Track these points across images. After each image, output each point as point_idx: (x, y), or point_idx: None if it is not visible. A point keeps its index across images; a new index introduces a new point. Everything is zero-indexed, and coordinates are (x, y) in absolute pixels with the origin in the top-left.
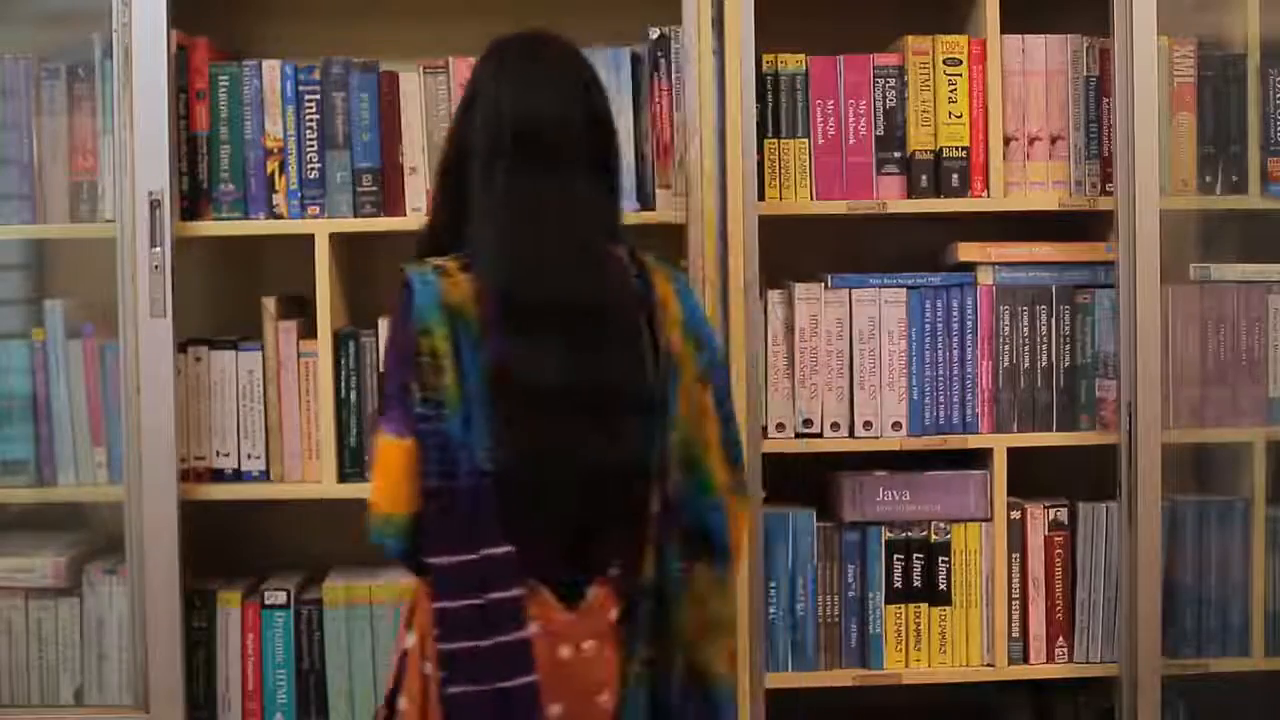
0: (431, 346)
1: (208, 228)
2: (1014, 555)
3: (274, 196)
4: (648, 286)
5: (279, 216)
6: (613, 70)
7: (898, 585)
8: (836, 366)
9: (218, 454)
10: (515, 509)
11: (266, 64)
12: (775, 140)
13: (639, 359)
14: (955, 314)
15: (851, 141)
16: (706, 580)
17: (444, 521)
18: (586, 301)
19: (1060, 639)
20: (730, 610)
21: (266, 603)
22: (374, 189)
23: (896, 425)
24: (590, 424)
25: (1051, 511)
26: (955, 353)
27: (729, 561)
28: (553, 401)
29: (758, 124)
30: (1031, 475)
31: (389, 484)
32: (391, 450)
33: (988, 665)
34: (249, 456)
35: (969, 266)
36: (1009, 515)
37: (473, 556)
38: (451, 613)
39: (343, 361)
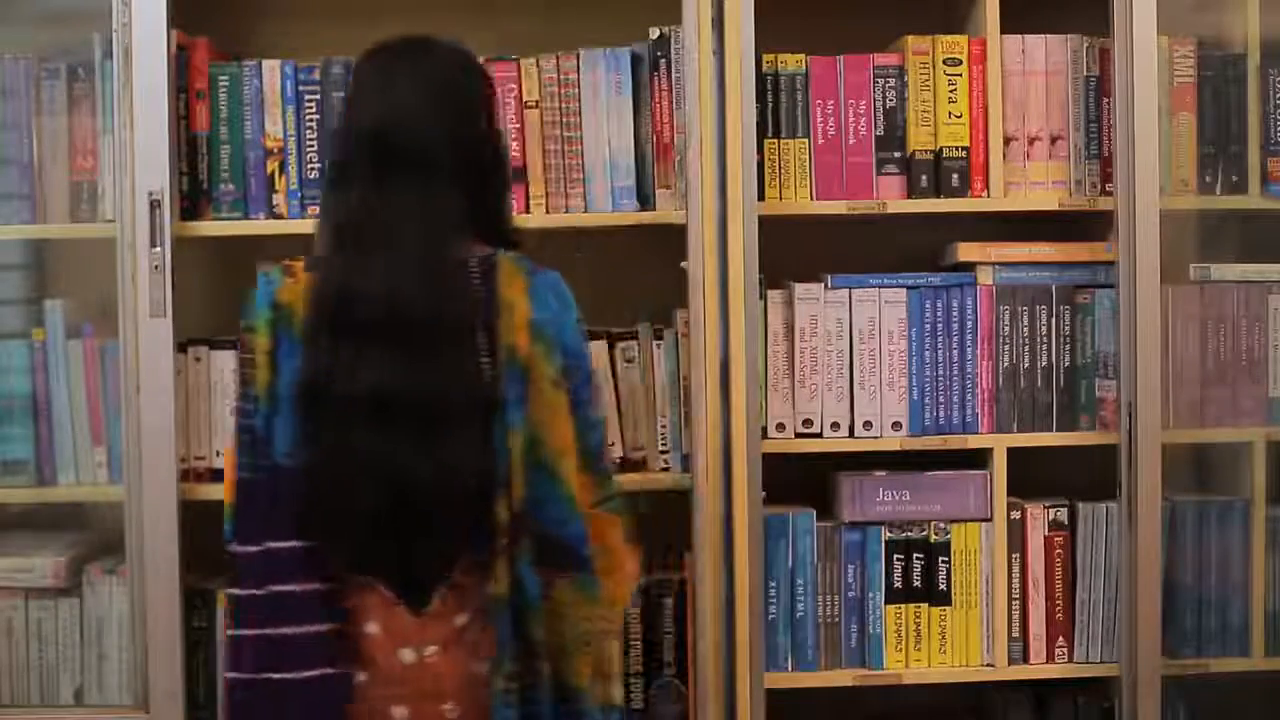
0: (255, 343)
1: (208, 228)
2: (1014, 555)
3: (274, 196)
4: (492, 289)
5: (279, 216)
6: (613, 70)
7: (897, 585)
8: (836, 366)
9: (218, 454)
10: (320, 509)
11: (266, 64)
12: (775, 140)
13: (470, 368)
14: (955, 314)
15: (851, 141)
16: (569, 593)
17: (244, 513)
18: (409, 309)
19: (1060, 639)
20: (599, 625)
21: None
22: None
23: (896, 425)
24: (404, 434)
25: (1051, 511)
26: (955, 353)
27: (593, 573)
28: (362, 408)
29: (758, 124)
30: (1031, 475)
31: (227, 473)
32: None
33: (988, 665)
34: None
35: (969, 266)
36: (1009, 515)
37: (256, 549)
38: (238, 600)
39: None
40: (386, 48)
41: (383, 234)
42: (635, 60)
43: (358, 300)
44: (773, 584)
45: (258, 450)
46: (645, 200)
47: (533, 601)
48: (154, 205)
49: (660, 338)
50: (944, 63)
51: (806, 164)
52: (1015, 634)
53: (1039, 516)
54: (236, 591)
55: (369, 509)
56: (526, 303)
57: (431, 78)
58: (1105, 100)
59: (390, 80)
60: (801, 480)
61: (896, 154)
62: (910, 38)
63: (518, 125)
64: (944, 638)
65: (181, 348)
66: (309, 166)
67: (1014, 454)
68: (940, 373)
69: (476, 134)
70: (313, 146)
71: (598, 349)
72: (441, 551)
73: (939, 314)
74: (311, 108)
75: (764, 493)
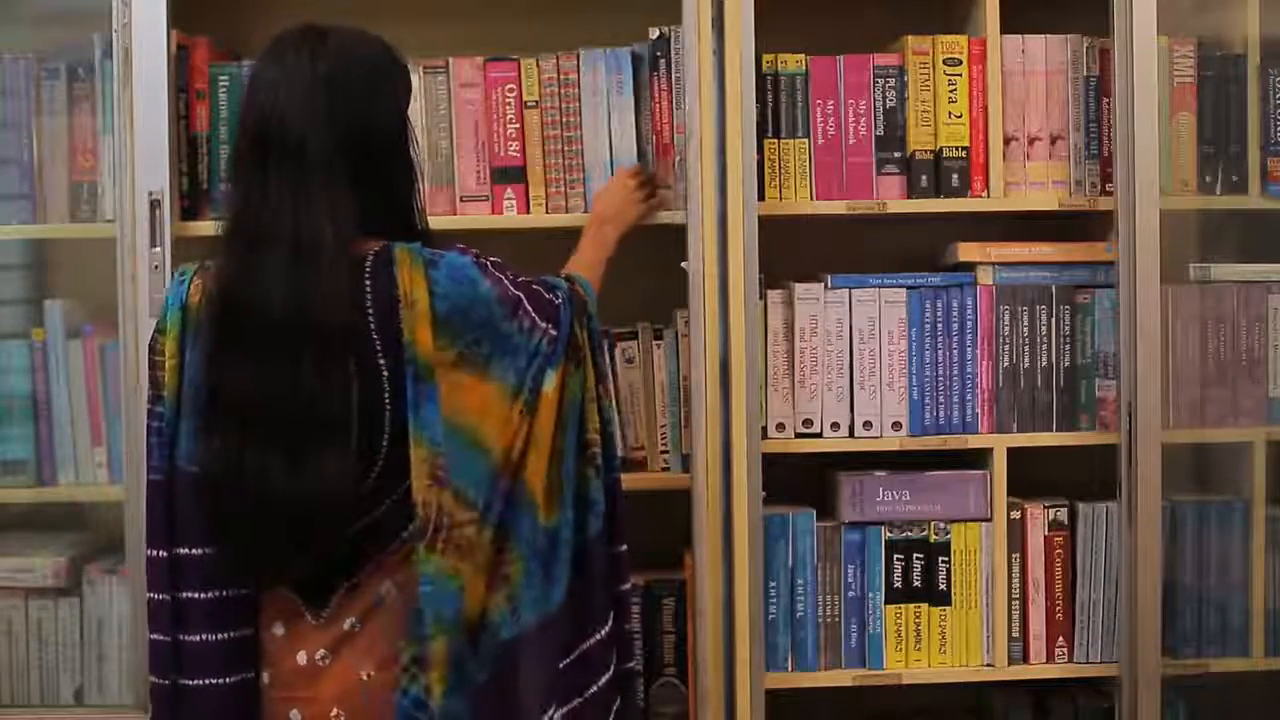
0: (163, 345)
1: (208, 228)
2: (1014, 555)
3: None
4: (389, 286)
5: None
6: (613, 70)
7: (897, 585)
8: (836, 366)
9: None
10: (213, 515)
11: None
12: (775, 140)
13: (337, 375)
14: (955, 314)
15: (851, 141)
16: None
17: (152, 517)
18: (277, 313)
19: (1060, 639)
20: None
21: None
22: None
23: (896, 425)
24: (269, 443)
25: (1051, 511)
26: (955, 353)
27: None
28: (236, 416)
29: (758, 124)
30: (1031, 475)
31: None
32: None
33: (988, 665)
34: None
35: (969, 266)
36: (1009, 515)
37: (166, 554)
38: (149, 605)
39: None
40: (281, 38)
41: (262, 233)
42: (635, 60)
43: (236, 303)
44: (773, 584)
45: (164, 454)
46: None
47: (438, 601)
48: (154, 205)
49: (660, 338)
50: (944, 63)
51: (806, 164)
52: (1015, 634)
53: (1039, 516)
54: (151, 596)
55: (248, 516)
56: (427, 295)
57: (319, 68)
58: (1105, 100)
59: (278, 72)
60: (801, 480)
61: (896, 154)
62: (910, 38)
63: (518, 125)
64: (944, 638)
65: None
66: None
67: (1014, 454)
68: (940, 373)
69: (370, 126)
70: None
71: None
72: (325, 557)
73: (939, 314)
74: None
75: (764, 493)
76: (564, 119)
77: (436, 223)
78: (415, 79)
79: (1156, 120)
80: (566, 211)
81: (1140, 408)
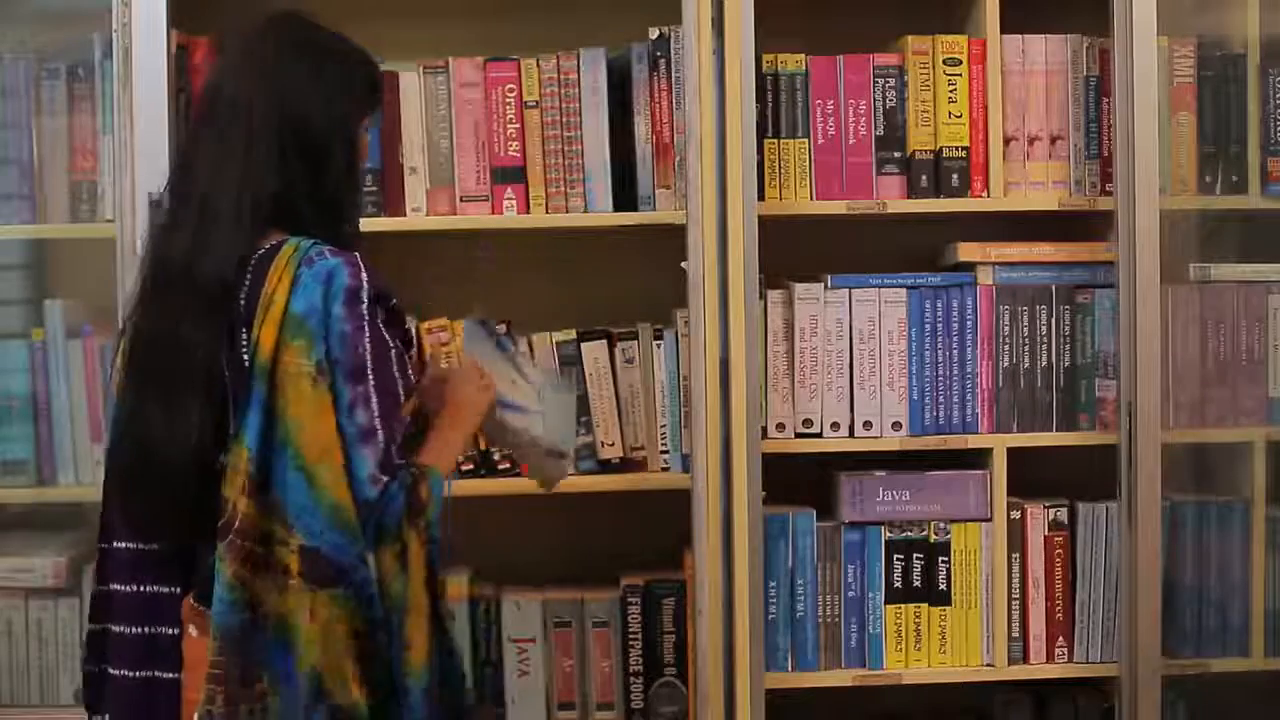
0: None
1: None
2: (1014, 555)
3: None
4: (259, 283)
5: None
6: (613, 70)
7: (897, 585)
8: (836, 366)
9: None
10: (112, 468)
11: None
12: (775, 140)
13: (218, 334)
14: (955, 314)
15: (851, 141)
16: (330, 610)
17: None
18: (181, 264)
19: (1060, 639)
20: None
21: None
22: (374, 189)
23: (896, 425)
24: (152, 393)
25: (1051, 511)
26: (955, 353)
27: (357, 588)
28: (136, 366)
29: (758, 124)
30: (1031, 475)
31: None
32: None
33: (988, 665)
34: None
35: (969, 266)
36: (1009, 515)
37: (104, 546)
38: (91, 595)
39: None
40: (251, 21)
41: (186, 190)
42: (635, 60)
43: (155, 257)
44: (773, 584)
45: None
46: (645, 200)
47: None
48: (154, 205)
49: (660, 338)
50: (944, 63)
51: (806, 164)
52: (1015, 634)
53: (1039, 516)
54: (93, 588)
55: (132, 467)
56: (286, 295)
57: (251, 59)
58: (1105, 100)
59: (230, 55)
60: (801, 480)
61: (896, 154)
62: (910, 38)
63: (518, 125)
64: (944, 638)
65: None
66: None
67: (1014, 454)
68: (940, 373)
69: (309, 118)
70: None
71: (598, 349)
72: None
73: (939, 314)
74: None
75: (764, 493)
76: (564, 119)
77: (437, 223)
78: (415, 79)
79: (1156, 120)
80: (566, 211)
81: (1140, 408)
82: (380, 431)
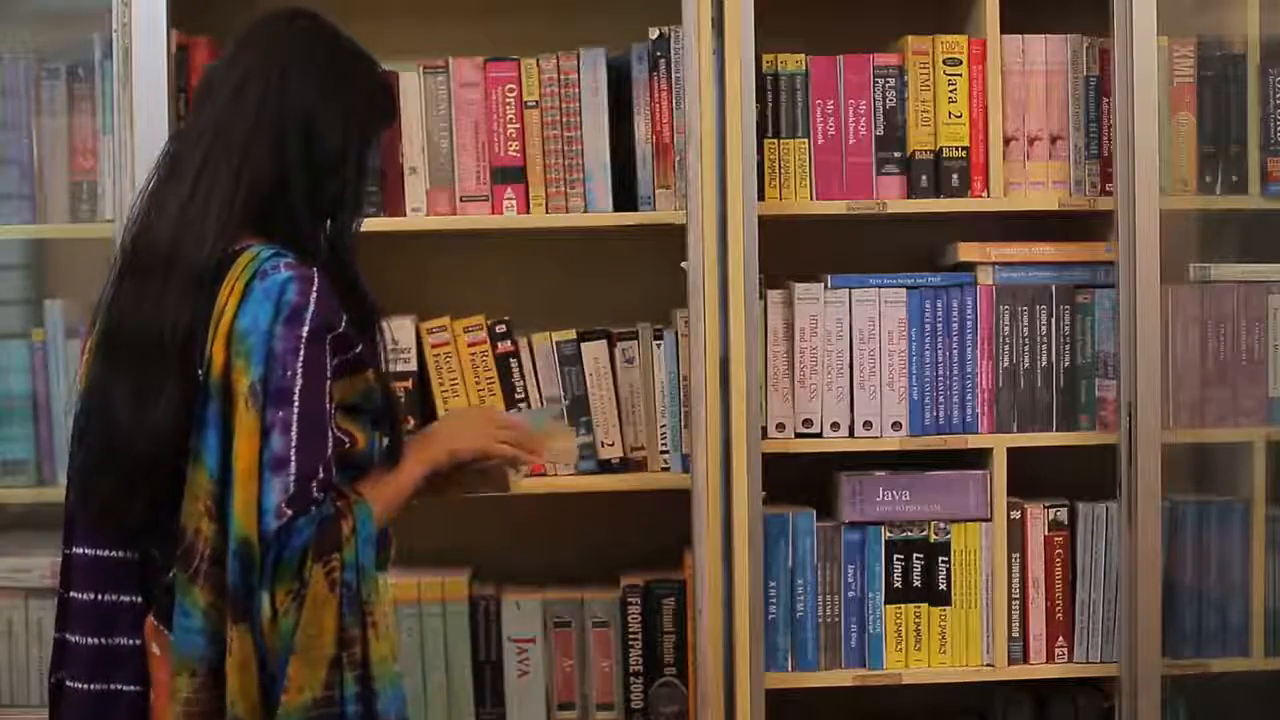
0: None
1: None
2: (1014, 555)
3: None
4: (214, 293)
5: None
6: (613, 70)
7: (897, 585)
8: (836, 366)
9: None
10: (75, 453)
11: None
12: (775, 140)
13: (195, 315)
14: (955, 314)
15: (851, 141)
16: (236, 644)
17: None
18: (165, 244)
19: (1060, 639)
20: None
21: None
22: (373, 189)
23: (896, 425)
24: (122, 374)
25: (1051, 511)
26: (955, 353)
27: (256, 629)
28: (106, 345)
29: (758, 124)
30: (1031, 475)
31: None
32: None
33: (988, 665)
34: None
35: (969, 266)
36: (1009, 515)
37: (65, 552)
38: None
39: None
40: (256, 15)
41: (175, 171)
42: (635, 60)
43: (137, 238)
44: (773, 584)
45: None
46: (645, 200)
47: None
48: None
49: (660, 338)
50: (944, 63)
51: (806, 164)
52: (1015, 634)
53: (1039, 516)
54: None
55: (96, 452)
56: (234, 309)
57: (269, 52)
58: (1105, 100)
59: (234, 46)
60: (801, 480)
61: (896, 154)
62: (910, 38)
63: (518, 125)
64: (944, 638)
65: None
66: None
67: (1014, 454)
68: (940, 373)
69: (307, 120)
70: None
71: (598, 349)
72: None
73: (939, 314)
74: None
75: (764, 493)
76: (564, 119)
77: (437, 223)
78: (415, 79)
79: (1156, 120)
80: (566, 211)
81: (1140, 408)
82: (294, 462)
